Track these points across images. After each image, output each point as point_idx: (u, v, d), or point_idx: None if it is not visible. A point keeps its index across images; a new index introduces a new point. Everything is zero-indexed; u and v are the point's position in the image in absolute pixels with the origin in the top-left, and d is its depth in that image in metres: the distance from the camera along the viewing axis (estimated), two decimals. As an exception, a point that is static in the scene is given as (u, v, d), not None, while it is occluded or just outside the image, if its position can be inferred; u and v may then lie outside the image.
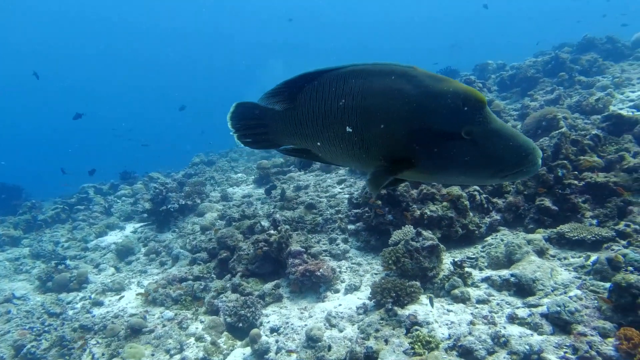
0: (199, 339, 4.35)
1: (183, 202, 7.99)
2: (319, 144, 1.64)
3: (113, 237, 8.23)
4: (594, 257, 3.72)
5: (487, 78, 11.41)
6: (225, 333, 4.35)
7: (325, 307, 4.23)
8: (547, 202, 4.48)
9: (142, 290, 5.62)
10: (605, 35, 10.31)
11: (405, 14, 61.88)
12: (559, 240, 4.17)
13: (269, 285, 4.79)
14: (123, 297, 5.76)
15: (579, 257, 3.88)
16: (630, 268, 3.35)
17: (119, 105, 57.05)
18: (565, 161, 4.58)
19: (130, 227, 8.63)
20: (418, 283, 4.04)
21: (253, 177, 9.91)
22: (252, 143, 1.85)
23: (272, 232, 5.25)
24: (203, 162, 12.93)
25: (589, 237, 3.95)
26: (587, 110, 6.89)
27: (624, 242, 3.85)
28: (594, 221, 4.21)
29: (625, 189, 4.34)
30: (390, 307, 3.69)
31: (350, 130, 1.48)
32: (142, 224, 8.38)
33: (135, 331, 4.67)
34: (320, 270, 4.57)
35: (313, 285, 4.61)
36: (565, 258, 3.95)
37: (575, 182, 4.48)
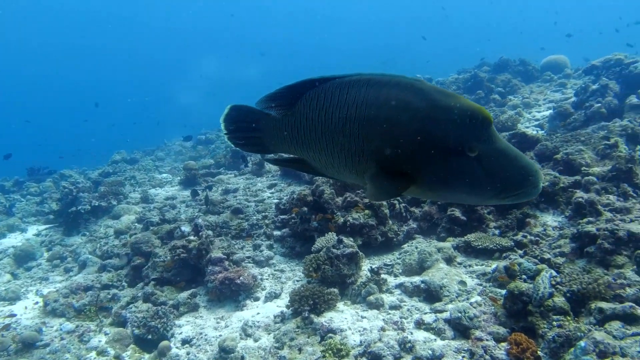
0: (101, 353, 4.02)
1: (96, 203, 7.41)
2: (315, 153, 1.59)
3: (12, 240, 7.40)
4: (494, 265, 4.02)
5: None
6: (132, 346, 4.07)
7: (243, 316, 4.13)
8: (457, 213, 4.78)
9: (40, 299, 5.10)
10: (519, 57, 11.33)
11: (354, 15, 62.65)
12: (465, 249, 4.46)
13: (184, 294, 4.57)
14: (15, 306, 5.18)
15: (482, 264, 4.18)
16: (524, 276, 3.67)
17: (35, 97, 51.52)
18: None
19: (33, 229, 7.82)
20: (336, 290, 4.09)
21: (179, 178, 9.48)
22: (244, 145, 1.81)
23: (191, 237, 5.04)
24: (124, 160, 12.14)
25: (491, 246, 4.28)
26: (499, 127, 7.49)
27: (520, 252, 4.21)
28: (497, 231, 4.57)
29: (526, 202, 4.75)
30: (307, 315, 3.70)
31: (351, 140, 1.43)
32: (47, 226, 7.63)
33: (27, 345, 4.21)
34: (241, 277, 4.45)
35: (233, 294, 4.48)
36: (470, 265, 4.23)
37: (483, 194, 4.83)
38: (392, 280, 4.26)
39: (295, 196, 5.48)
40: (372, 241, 4.87)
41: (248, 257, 5.17)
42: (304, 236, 5.28)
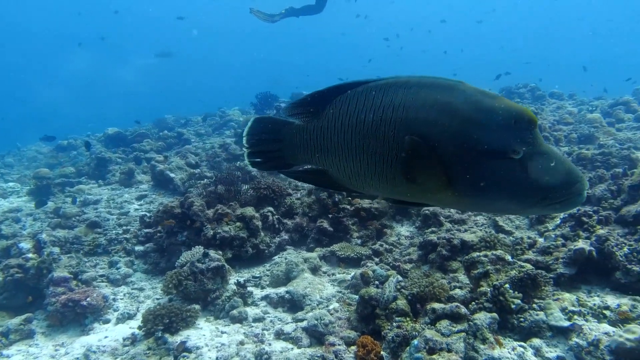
0: None
1: None
2: (341, 160, 1.52)
3: None
4: (353, 272, 4.28)
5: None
6: None
7: (87, 341, 3.68)
8: (325, 224, 5.00)
9: None
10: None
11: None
12: (330, 258, 4.67)
13: (16, 320, 3.92)
14: None
15: (343, 273, 4.42)
16: (376, 282, 3.96)
17: None
18: (341, 188, 5.21)
19: None
20: (198, 306, 3.92)
21: (29, 187, 8.23)
22: (262, 163, 1.73)
23: (30, 255, 4.37)
24: (-41, 165, 10.13)
25: (352, 255, 4.55)
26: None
27: (376, 259, 4.57)
28: (359, 241, 4.88)
29: (382, 213, 5.19)
30: (160, 334, 3.45)
31: (385, 144, 1.37)
32: None
33: None
34: (88, 299, 3.99)
35: (77, 317, 3.98)
36: (333, 274, 4.44)
37: (348, 206, 5.14)
38: (258, 293, 4.24)
39: (161, 208, 5.16)
40: (242, 254, 4.81)
41: (102, 276, 4.67)
42: (170, 251, 4.98)
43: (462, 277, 3.93)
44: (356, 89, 1.50)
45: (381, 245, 4.75)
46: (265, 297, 4.11)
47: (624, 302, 3.15)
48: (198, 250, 4.44)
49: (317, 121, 1.59)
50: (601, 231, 3.61)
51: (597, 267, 3.54)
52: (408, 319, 3.37)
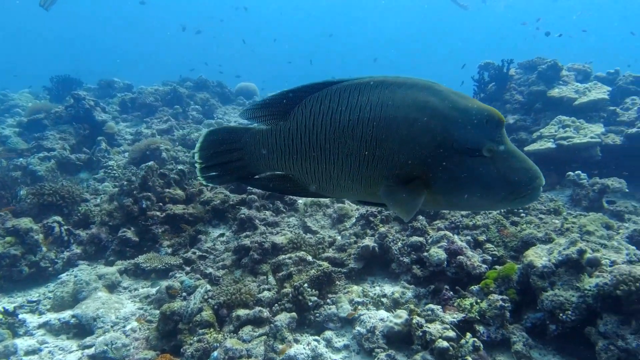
0: None
1: None
2: (312, 163, 1.47)
3: None
4: (158, 286, 3.97)
5: (113, 96, 11.03)
6: None
7: None
8: (130, 233, 4.52)
9: None
10: (216, 79, 12.20)
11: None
12: (135, 271, 4.25)
13: None
14: None
15: (148, 286, 4.07)
16: (184, 294, 3.77)
17: None
18: (149, 193, 4.80)
19: None
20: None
21: None
22: (218, 177, 1.62)
23: None
24: None
25: (159, 266, 4.23)
26: (190, 144, 7.74)
27: (187, 269, 4.36)
28: (169, 250, 4.58)
29: (198, 219, 5.00)
30: None
31: (362, 144, 1.35)
32: None
33: None
34: None
35: None
36: (136, 289, 4.04)
37: (158, 213, 4.77)
38: (35, 320, 3.54)
39: None
40: (14, 274, 3.95)
41: None
42: None
43: (271, 278, 4.06)
44: (329, 89, 1.45)
45: (194, 253, 4.55)
46: (44, 324, 3.46)
47: (396, 290, 3.75)
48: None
49: (283, 123, 1.51)
50: (382, 229, 4.22)
51: (380, 260, 4.13)
52: (212, 330, 3.30)
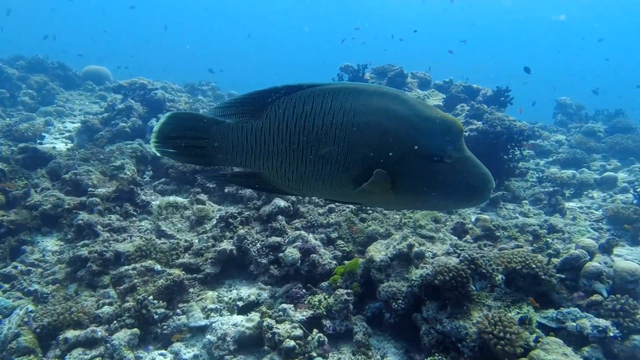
0: None
1: None
2: (283, 164, 1.51)
3: None
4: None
5: None
6: None
7: None
8: None
9: None
10: (57, 60, 10.53)
11: None
12: None
13: None
14: None
15: (-56, 315, 3.30)
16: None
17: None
18: (-50, 197, 3.88)
19: None
20: None
21: None
22: (175, 155, 1.61)
23: None
24: None
25: (-37, 288, 3.46)
26: (17, 136, 6.52)
27: (7, 286, 3.66)
28: (-21, 266, 3.78)
29: (22, 227, 4.24)
30: None
31: (335, 147, 1.43)
32: None
33: None
34: None
35: None
36: None
37: (-36, 221, 3.89)
38: None
39: None
40: None
41: None
42: None
43: (111, 290, 3.67)
44: (303, 92, 1.48)
45: (15, 268, 3.84)
46: None
47: (253, 292, 3.73)
48: None
49: (255, 122, 1.53)
50: (241, 231, 4.16)
51: (238, 263, 4.06)
52: (33, 356, 2.84)
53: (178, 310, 3.38)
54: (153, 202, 5.06)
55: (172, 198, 5.08)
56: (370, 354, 3.06)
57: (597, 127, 9.23)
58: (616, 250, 5.19)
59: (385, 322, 3.28)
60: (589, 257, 3.30)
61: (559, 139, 9.15)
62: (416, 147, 1.40)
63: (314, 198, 4.80)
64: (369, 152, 1.41)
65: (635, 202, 5.76)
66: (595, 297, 3.01)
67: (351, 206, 4.73)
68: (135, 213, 4.97)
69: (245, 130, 1.56)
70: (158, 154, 1.64)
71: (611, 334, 2.72)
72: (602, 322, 2.77)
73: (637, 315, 2.88)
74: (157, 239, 4.41)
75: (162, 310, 3.28)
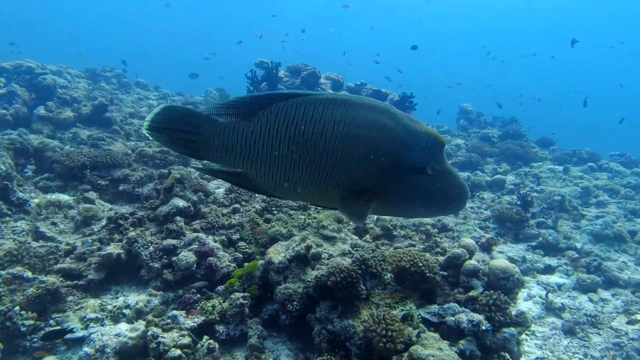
0: None
1: None
2: (270, 167, 1.56)
3: None
4: None
5: None
6: None
7: None
8: None
9: None
10: None
11: None
12: None
13: None
14: None
15: None
16: None
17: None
18: None
19: None
20: None
21: None
22: (165, 143, 1.65)
23: None
24: None
25: None
26: None
27: None
28: None
29: None
30: None
31: (323, 156, 1.48)
32: None
33: None
34: None
35: None
36: None
37: None
38: None
39: None
40: None
41: None
42: None
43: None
44: (296, 99, 1.53)
45: None
46: None
47: (142, 299, 3.48)
48: None
49: (247, 124, 1.58)
50: (132, 233, 3.86)
51: (127, 267, 3.76)
52: None
53: (51, 322, 3.03)
54: (32, 200, 4.50)
55: (54, 196, 4.57)
56: (263, 357, 3.02)
57: (492, 132, 10.18)
58: (499, 248, 5.76)
59: (281, 324, 3.26)
60: (469, 255, 3.59)
61: (458, 143, 9.94)
62: (401, 160, 1.48)
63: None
64: (357, 162, 1.48)
65: (518, 203, 6.44)
66: (472, 293, 3.28)
67: (257, 206, 4.65)
68: (9, 212, 4.39)
69: (237, 131, 1.61)
70: (150, 137, 1.65)
71: (483, 328, 2.98)
72: (476, 317, 3.02)
73: (508, 309, 3.19)
74: (33, 242, 3.93)
75: (32, 321, 2.92)
